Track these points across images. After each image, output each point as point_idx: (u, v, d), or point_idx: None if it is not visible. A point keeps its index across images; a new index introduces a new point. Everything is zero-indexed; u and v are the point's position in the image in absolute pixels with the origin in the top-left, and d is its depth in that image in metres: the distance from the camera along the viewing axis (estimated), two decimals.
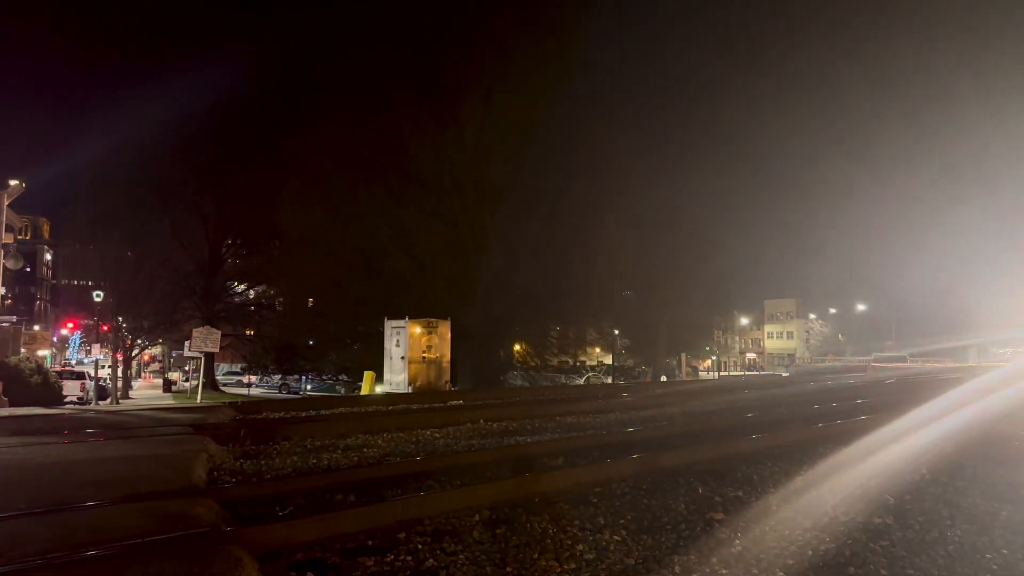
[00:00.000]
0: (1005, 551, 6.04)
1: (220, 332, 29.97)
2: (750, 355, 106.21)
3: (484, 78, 35.48)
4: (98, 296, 35.96)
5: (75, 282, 69.22)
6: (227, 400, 25.11)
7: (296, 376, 50.87)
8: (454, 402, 20.16)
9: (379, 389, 27.33)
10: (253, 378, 55.12)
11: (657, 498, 7.40)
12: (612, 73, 40.04)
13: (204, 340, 27.75)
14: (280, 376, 51.90)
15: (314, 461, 9.36)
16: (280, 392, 49.10)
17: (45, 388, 23.87)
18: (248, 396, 37.48)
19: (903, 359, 65.53)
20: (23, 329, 42.08)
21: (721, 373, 78.18)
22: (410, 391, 25.03)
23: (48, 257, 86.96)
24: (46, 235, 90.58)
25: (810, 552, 5.81)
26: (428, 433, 12.44)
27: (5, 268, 29.11)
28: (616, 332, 61.74)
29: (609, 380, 56.54)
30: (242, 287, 53.92)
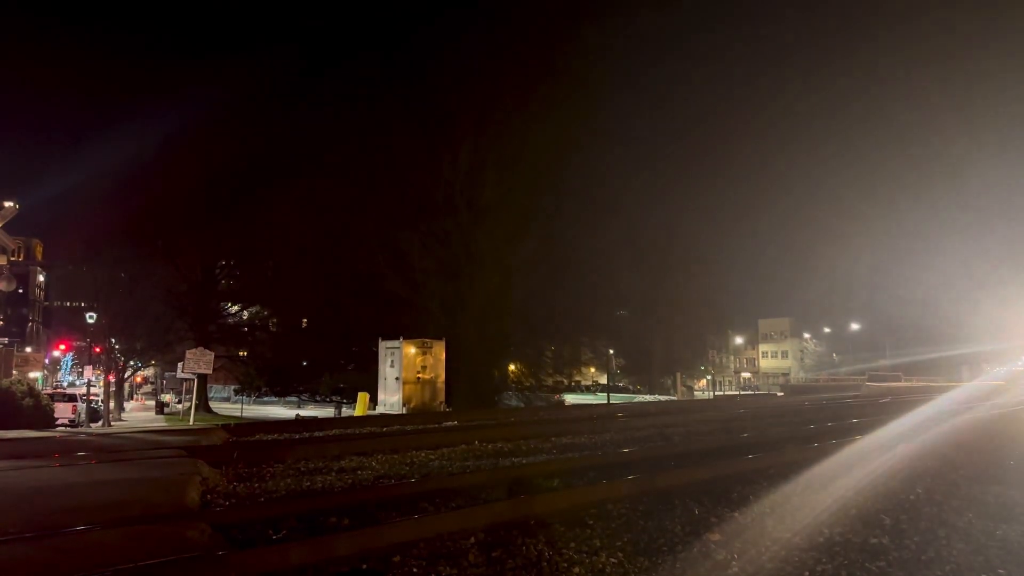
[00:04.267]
0: (1002, 571, 6.04)
1: (213, 353, 29.80)
2: (745, 374, 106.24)
3: (478, 101, 35.79)
4: (91, 317, 35.82)
5: (68, 303, 68.98)
6: (220, 422, 24.95)
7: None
8: (448, 423, 20.04)
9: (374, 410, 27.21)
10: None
11: (653, 519, 7.38)
12: (606, 96, 40.34)
13: (197, 361, 27.62)
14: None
15: (307, 483, 9.30)
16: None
17: (36, 411, 23.60)
18: (240, 417, 37.06)
19: (897, 377, 65.67)
20: (15, 351, 41.83)
21: (716, 392, 78.08)
22: (404, 412, 24.94)
23: (41, 278, 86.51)
24: (39, 256, 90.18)
25: (807, 573, 5.80)
26: (422, 455, 12.37)
27: None
28: (611, 352, 61.83)
29: None
30: (236, 308, 53.64)
